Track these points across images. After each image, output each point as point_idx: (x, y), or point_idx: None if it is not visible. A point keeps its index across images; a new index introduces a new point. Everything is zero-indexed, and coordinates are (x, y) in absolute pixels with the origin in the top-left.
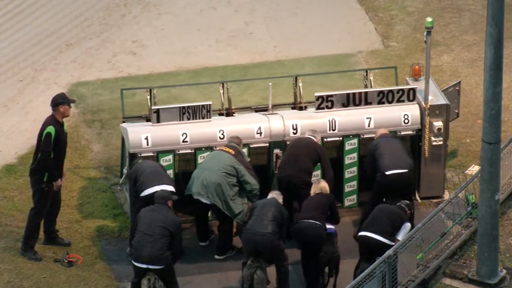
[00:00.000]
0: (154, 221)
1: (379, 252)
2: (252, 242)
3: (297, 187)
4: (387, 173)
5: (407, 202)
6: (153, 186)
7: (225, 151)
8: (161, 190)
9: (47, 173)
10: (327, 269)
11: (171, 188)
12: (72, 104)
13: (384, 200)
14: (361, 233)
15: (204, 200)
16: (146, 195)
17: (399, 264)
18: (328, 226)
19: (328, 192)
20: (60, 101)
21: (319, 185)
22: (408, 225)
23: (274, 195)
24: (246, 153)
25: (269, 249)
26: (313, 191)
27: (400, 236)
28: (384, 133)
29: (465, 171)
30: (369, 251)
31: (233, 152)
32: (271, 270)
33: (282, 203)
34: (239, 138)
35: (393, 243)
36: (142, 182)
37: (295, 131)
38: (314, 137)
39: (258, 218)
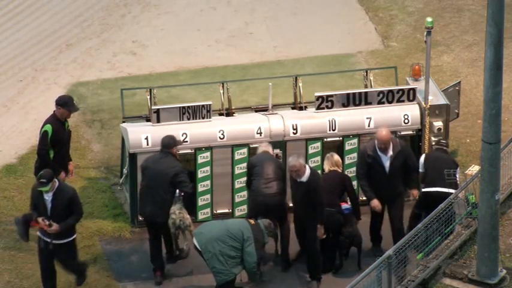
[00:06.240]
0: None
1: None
2: (263, 204)
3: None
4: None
5: (444, 141)
6: None
7: (246, 219)
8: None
9: None
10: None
11: None
12: None
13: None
14: (431, 189)
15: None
16: None
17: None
18: (345, 206)
19: (341, 164)
20: (60, 103)
21: (333, 159)
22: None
23: (265, 147)
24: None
25: (278, 209)
26: (328, 167)
27: (458, 177)
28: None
29: (465, 171)
30: (432, 205)
31: (253, 223)
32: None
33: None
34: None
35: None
36: None
37: (295, 131)
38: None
39: (262, 179)
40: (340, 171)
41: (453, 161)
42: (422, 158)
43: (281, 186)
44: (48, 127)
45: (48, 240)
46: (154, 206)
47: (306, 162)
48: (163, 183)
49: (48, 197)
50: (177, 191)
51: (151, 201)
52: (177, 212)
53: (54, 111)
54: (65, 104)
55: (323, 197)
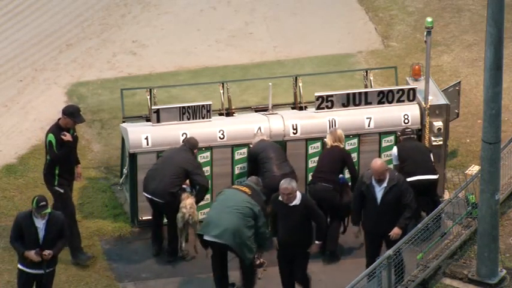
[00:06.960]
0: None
1: (432, 189)
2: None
3: None
4: None
5: (409, 129)
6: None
7: (240, 190)
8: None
9: (56, 176)
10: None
11: None
12: None
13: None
14: (412, 179)
15: (219, 241)
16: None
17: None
18: (340, 176)
19: (343, 139)
20: (66, 113)
21: (336, 134)
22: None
23: (261, 136)
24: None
25: None
26: (330, 142)
27: (433, 160)
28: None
29: (465, 171)
30: (416, 195)
31: (249, 192)
32: None
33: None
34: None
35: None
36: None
37: (295, 131)
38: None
39: (273, 160)
40: (342, 146)
41: (426, 147)
42: (395, 151)
43: (291, 166)
44: (51, 137)
45: (42, 271)
46: (158, 184)
47: (306, 162)
48: (174, 165)
49: (40, 225)
50: (189, 187)
51: (157, 180)
52: (189, 207)
53: (59, 119)
54: (71, 114)
55: (321, 213)
